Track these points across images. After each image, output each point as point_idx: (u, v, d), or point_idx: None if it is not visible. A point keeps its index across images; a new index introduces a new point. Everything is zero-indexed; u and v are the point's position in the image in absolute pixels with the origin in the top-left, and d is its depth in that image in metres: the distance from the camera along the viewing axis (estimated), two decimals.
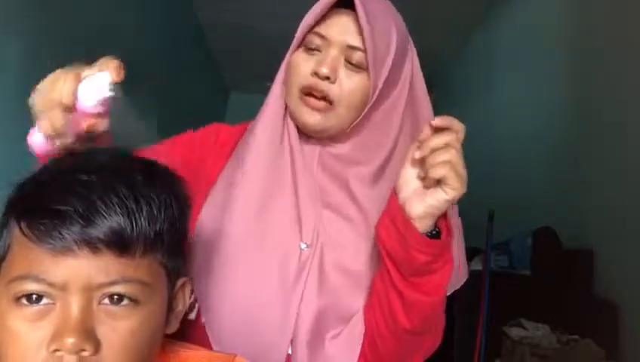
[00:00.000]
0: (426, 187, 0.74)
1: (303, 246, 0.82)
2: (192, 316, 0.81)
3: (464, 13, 4.28)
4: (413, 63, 0.89)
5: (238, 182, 0.85)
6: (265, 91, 0.90)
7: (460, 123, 0.74)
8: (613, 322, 2.36)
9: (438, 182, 0.72)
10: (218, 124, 0.99)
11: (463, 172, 0.72)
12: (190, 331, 0.79)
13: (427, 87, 0.91)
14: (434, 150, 0.71)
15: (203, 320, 0.82)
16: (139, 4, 3.38)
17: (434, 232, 0.76)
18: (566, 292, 2.45)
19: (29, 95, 0.67)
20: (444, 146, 0.71)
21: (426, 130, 0.73)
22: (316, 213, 0.84)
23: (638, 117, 2.39)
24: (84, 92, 0.66)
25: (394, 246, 0.77)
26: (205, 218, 0.85)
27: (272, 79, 0.88)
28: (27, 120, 0.69)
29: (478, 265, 2.81)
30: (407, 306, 0.78)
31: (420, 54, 0.90)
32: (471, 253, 3.10)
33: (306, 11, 0.86)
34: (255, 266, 0.81)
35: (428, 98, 0.90)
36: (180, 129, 0.96)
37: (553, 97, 3.19)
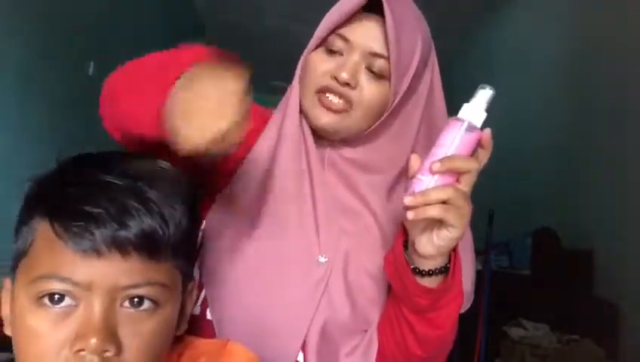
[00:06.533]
0: (430, 224, 0.69)
1: (322, 259, 0.81)
2: (196, 310, 0.80)
3: (464, 13, 4.28)
4: (433, 74, 0.85)
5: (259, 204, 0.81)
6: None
7: (469, 162, 0.69)
8: (613, 322, 2.36)
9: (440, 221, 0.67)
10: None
11: (465, 207, 0.67)
12: (198, 331, 0.78)
13: None
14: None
15: (209, 317, 0.81)
16: (138, 2, 3.37)
17: (445, 267, 0.72)
18: (566, 292, 2.46)
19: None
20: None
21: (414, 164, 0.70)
22: (334, 225, 0.82)
23: (638, 116, 2.39)
24: None
25: (397, 286, 0.75)
26: (213, 220, 0.82)
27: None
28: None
29: (478, 265, 2.80)
30: (419, 338, 0.77)
31: None
32: None
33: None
34: (273, 279, 0.80)
35: (445, 110, 0.86)
36: None
37: (553, 98, 3.19)
